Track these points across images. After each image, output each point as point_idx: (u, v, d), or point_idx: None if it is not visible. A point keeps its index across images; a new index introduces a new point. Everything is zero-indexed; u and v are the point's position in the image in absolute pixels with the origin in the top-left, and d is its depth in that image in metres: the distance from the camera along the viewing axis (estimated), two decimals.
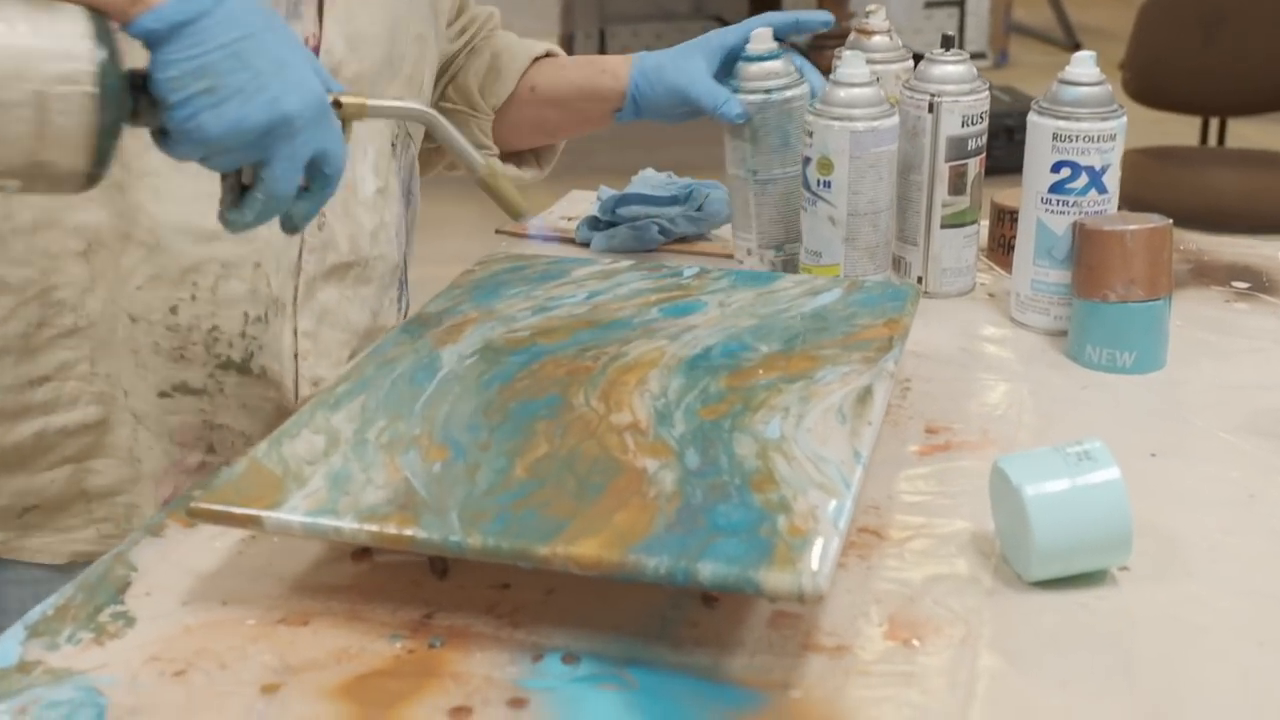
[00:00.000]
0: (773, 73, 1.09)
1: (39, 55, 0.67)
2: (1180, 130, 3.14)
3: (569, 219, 1.33)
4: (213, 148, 0.73)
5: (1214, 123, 3.00)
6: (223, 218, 0.77)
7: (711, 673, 0.65)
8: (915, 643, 0.68)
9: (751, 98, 1.09)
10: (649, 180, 1.29)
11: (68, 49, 0.67)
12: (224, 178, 0.77)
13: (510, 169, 1.19)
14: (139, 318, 0.90)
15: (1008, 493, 0.72)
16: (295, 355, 0.96)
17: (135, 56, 0.71)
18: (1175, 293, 0.99)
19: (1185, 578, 0.73)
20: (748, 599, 0.69)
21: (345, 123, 0.79)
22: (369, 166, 0.99)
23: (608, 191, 1.27)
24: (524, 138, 1.20)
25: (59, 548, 0.93)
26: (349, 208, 0.97)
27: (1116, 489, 0.71)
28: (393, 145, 1.02)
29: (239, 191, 0.77)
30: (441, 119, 0.87)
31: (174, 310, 0.90)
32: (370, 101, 0.81)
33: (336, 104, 0.78)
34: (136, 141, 0.79)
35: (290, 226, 0.80)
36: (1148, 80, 3.01)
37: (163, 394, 0.92)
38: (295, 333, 0.96)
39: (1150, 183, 2.75)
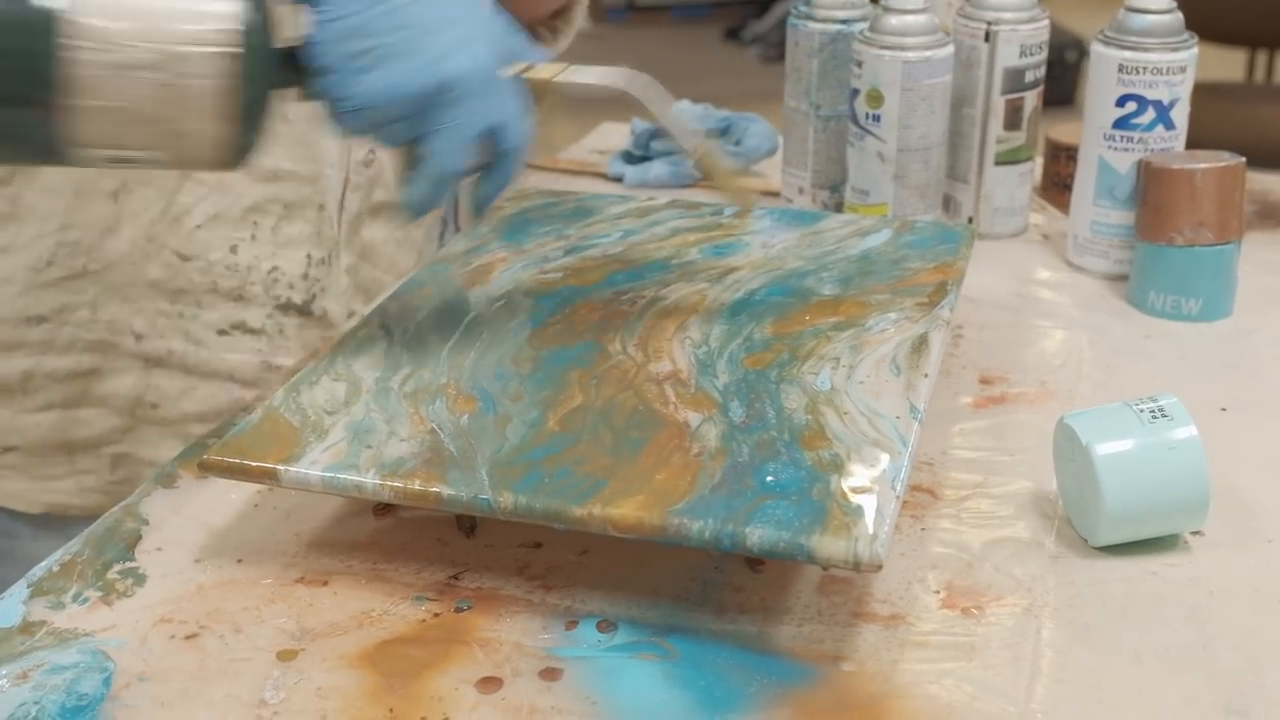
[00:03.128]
0: (848, 3, 1.03)
1: (179, 16, 0.61)
2: (1226, 64, 3.04)
3: (600, 152, 1.28)
4: (371, 117, 0.65)
5: (1261, 56, 2.91)
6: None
7: (757, 642, 0.61)
8: (975, 612, 0.63)
9: (824, 27, 1.03)
10: (685, 112, 1.23)
11: (211, 9, 0.61)
12: (400, 154, 0.70)
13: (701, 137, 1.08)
14: (196, 256, 0.87)
15: (1075, 451, 0.67)
16: (344, 298, 0.94)
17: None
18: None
19: (1264, 544, 0.68)
20: (794, 563, 0.64)
21: (535, 94, 0.70)
22: None
23: (641, 124, 1.22)
24: None
25: (34, 495, 0.90)
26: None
27: (1194, 449, 0.66)
28: None
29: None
30: (656, 91, 0.74)
31: (234, 250, 0.88)
32: (559, 78, 0.71)
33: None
34: None
35: (476, 210, 0.73)
36: (1191, 11, 2.90)
37: (221, 332, 0.89)
38: (341, 272, 0.93)
39: (1194, 120, 2.66)
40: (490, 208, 0.72)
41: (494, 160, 0.69)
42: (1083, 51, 4.12)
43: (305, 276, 0.90)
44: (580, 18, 1.08)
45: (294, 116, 0.84)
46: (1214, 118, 2.68)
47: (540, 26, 1.06)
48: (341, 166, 0.92)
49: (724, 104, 1.28)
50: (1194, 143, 0.97)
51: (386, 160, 0.93)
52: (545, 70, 0.71)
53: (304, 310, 0.91)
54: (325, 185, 0.89)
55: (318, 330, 0.92)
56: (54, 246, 0.85)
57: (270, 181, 0.87)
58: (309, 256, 0.90)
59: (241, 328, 0.90)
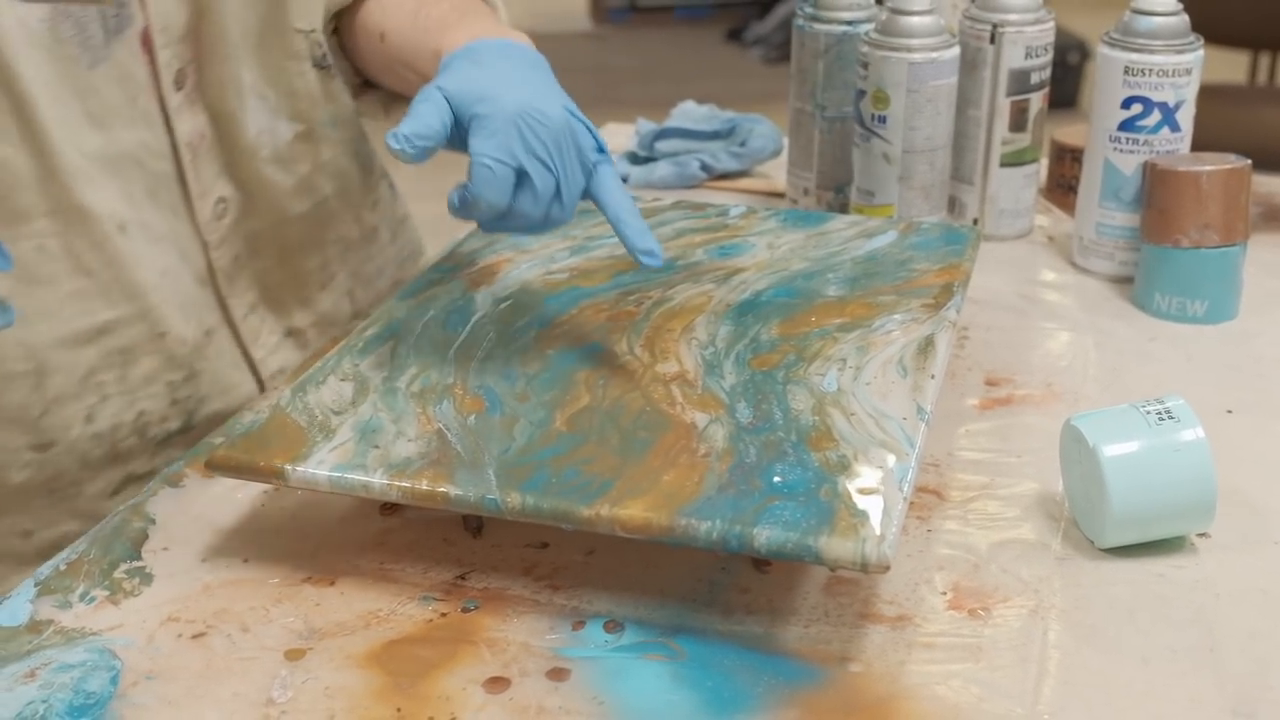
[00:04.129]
0: (854, 4, 1.03)
1: None
2: (1229, 66, 3.04)
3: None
4: None
5: (1264, 59, 2.91)
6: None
7: (765, 643, 0.61)
8: (981, 613, 0.63)
9: (830, 28, 1.03)
10: (690, 114, 1.23)
11: None
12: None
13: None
14: (54, 441, 0.81)
15: (1082, 453, 0.67)
16: (245, 352, 0.89)
17: None
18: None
19: (1270, 546, 0.68)
20: (801, 563, 0.64)
21: None
22: (269, 113, 0.88)
23: (646, 125, 1.22)
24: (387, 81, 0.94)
25: None
26: (249, 172, 0.87)
27: (1200, 451, 0.66)
28: (320, 67, 0.90)
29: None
30: None
31: (89, 419, 0.81)
32: None
33: None
34: None
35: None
36: (1193, 13, 2.90)
37: (113, 493, 0.84)
38: (235, 334, 0.88)
39: (1197, 122, 2.66)
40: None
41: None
42: (1085, 54, 4.11)
43: (174, 403, 0.84)
44: None
45: (94, 264, 0.79)
46: (1216, 120, 2.68)
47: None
48: (186, 246, 0.85)
49: (726, 105, 1.28)
50: (1196, 145, 0.97)
51: (240, 199, 0.87)
52: None
53: (186, 430, 0.86)
54: (158, 313, 0.82)
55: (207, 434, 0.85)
56: None
57: (96, 339, 0.80)
58: (170, 384, 0.84)
59: (130, 480, 0.84)
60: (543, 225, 0.70)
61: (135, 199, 0.81)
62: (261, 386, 0.90)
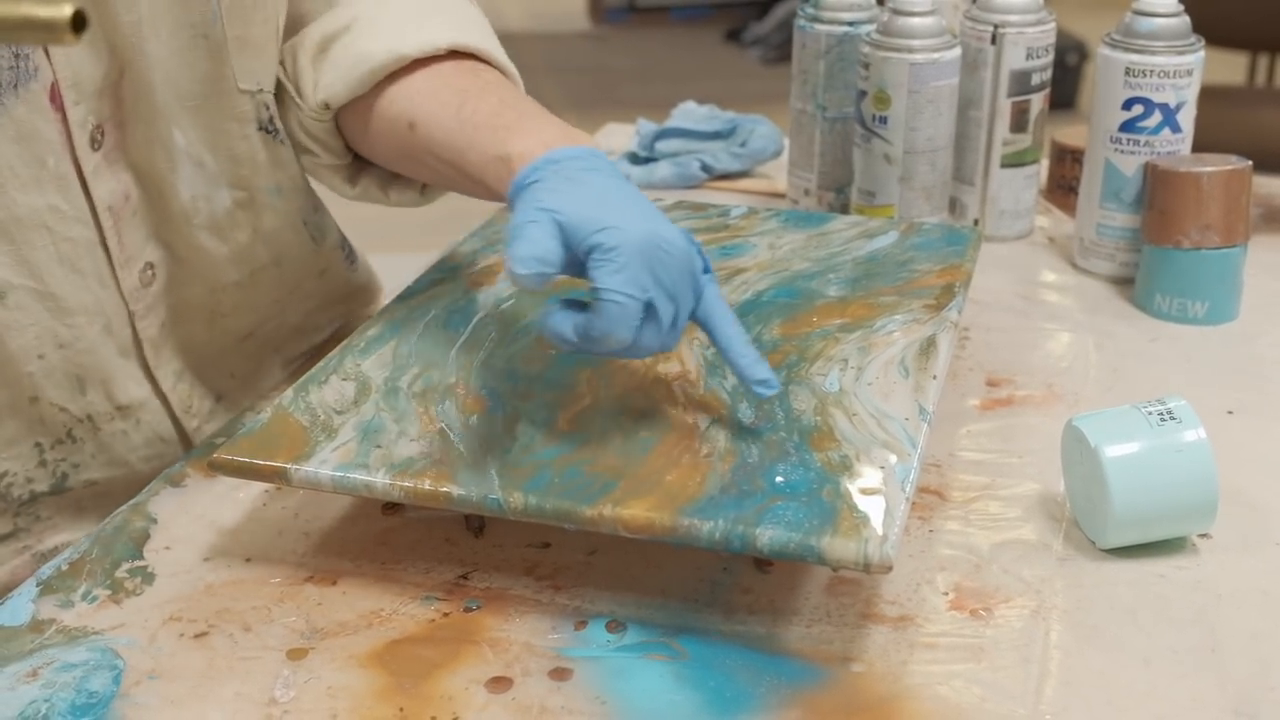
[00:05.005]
0: (855, 4, 1.03)
1: None
2: (1227, 67, 3.05)
3: (606, 153, 1.28)
4: None
5: (1263, 60, 2.91)
6: None
7: (767, 643, 0.61)
8: (983, 613, 0.63)
9: (832, 29, 1.03)
10: (690, 114, 1.23)
11: None
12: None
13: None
14: None
15: (1083, 454, 0.67)
16: (174, 419, 0.82)
17: None
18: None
19: (1271, 547, 0.68)
20: (803, 564, 0.64)
21: None
22: (208, 181, 0.80)
23: (647, 125, 1.22)
24: (400, 168, 0.87)
25: None
26: (181, 239, 0.80)
27: (1202, 451, 0.66)
28: (266, 130, 0.83)
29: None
30: None
31: None
32: None
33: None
34: None
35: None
36: (1192, 15, 2.90)
37: None
38: (165, 404, 0.82)
39: (1196, 124, 2.66)
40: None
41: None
42: (1083, 55, 4.12)
43: (42, 464, 0.77)
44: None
45: None
46: (1216, 121, 2.68)
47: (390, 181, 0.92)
48: (111, 315, 0.77)
49: (725, 106, 1.29)
50: (1195, 147, 0.97)
51: (170, 267, 0.80)
52: None
53: (57, 492, 0.78)
54: (32, 382, 0.75)
55: (86, 498, 0.79)
56: None
57: None
58: (38, 446, 0.77)
59: None
60: (649, 352, 0.66)
61: (34, 267, 0.73)
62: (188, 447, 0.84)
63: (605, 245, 0.63)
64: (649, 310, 0.64)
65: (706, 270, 0.68)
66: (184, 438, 0.83)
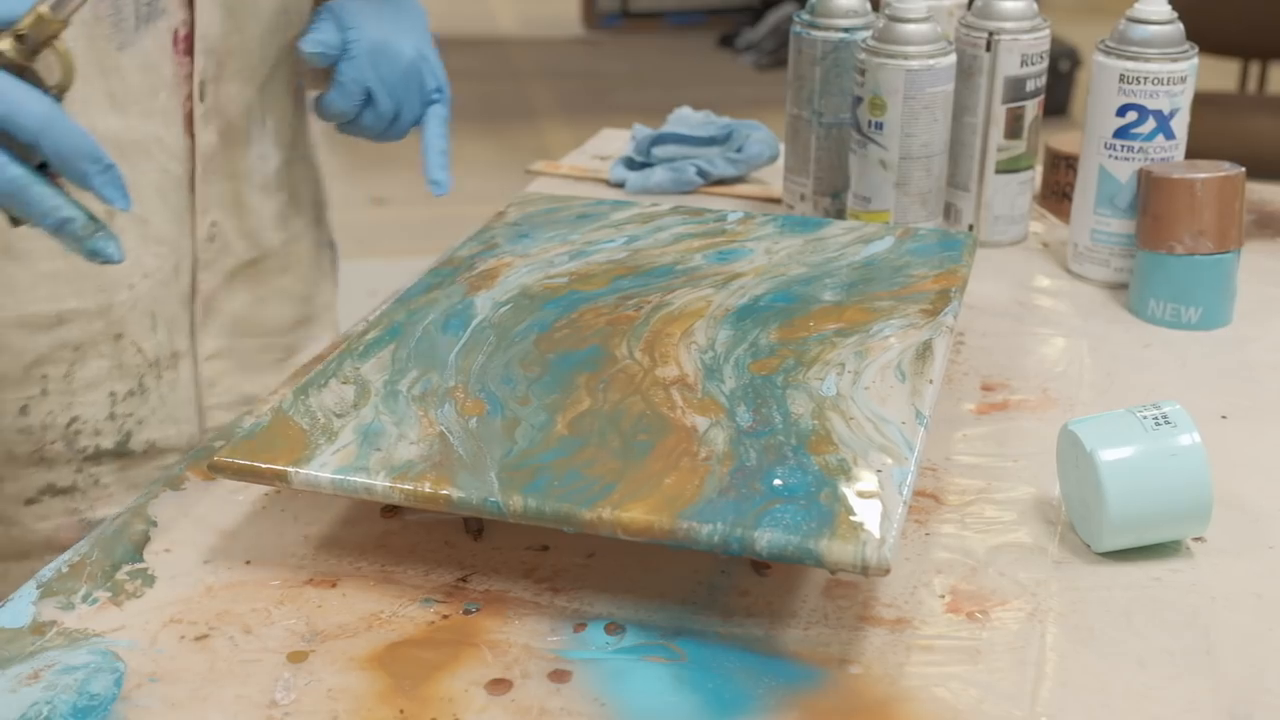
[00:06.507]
0: (851, 11, 1.04)
1: None
2: (1218, 74, 3.06)
3: (601, 158, 1.28)
4: None
5: (1254, 67, 2.92)
6: None
7: (765, 645, 0.62)
8: (980, 616, 0.64)
9: (828, 35, 1.04)
10: (686, 119, 1.24)
11: None
12: None
13: None
14: None
15: (1079, 458, 0.68)
16: (198, 393, 0.88)
17: None
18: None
19: (1265, 550, 0.69)
20: (801, 566, 0.65)
21: (34, 54, 0.64)
22: (269, 140, 0.90)
23: (643, 130, 1.22)
24: None
25: None
26: (239, 198, 0.88)
27: (1196, 455, 0.66)
28: (295, 99, 0.93)
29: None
30: None
31: (24, 410, 0.81)
32: (44, 8, 0.64)
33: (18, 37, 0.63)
34: None
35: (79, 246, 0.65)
36: (1183, 21, 2.90)
37: (28, 501, 0.83)
38: (195, 365, 0.87)
39: (1189, 130, 2.65)
40: (120, 188, 0.65)
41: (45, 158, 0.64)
42: (1075, 62, 4.13)
43: (112, 417, 0.83)
44: None
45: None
46: (1207, 128, 2.69)
47: None
48: (181, 257, 0.85)
49: (719, 111, 1.29)
50: (1188, 153, 0.97)
51: (226, 223, 0.88)
52: (30, 16, 0.64)
53: (120, 452, 0.84)
54: (120, 313, 0.82)
55: (144, 467, 0.85)
56: None
57: (53, 328, 0.80)
58: (112, 395, 0.83)
59: (50, 491, 0.83)
60: (381, 138, 0.88)
61: (139, 191, 0.79)
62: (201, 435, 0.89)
63: (348, 40, 0.84)
64: (370, 98, 0.85)
65: (439, 91, 0.88)
66: (200, 416, 0.89)
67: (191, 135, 0.83)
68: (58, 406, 0.82)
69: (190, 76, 0.82)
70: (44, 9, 0.64)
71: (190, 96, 0.83)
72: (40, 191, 0.63)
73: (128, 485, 0.85)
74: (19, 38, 0.64)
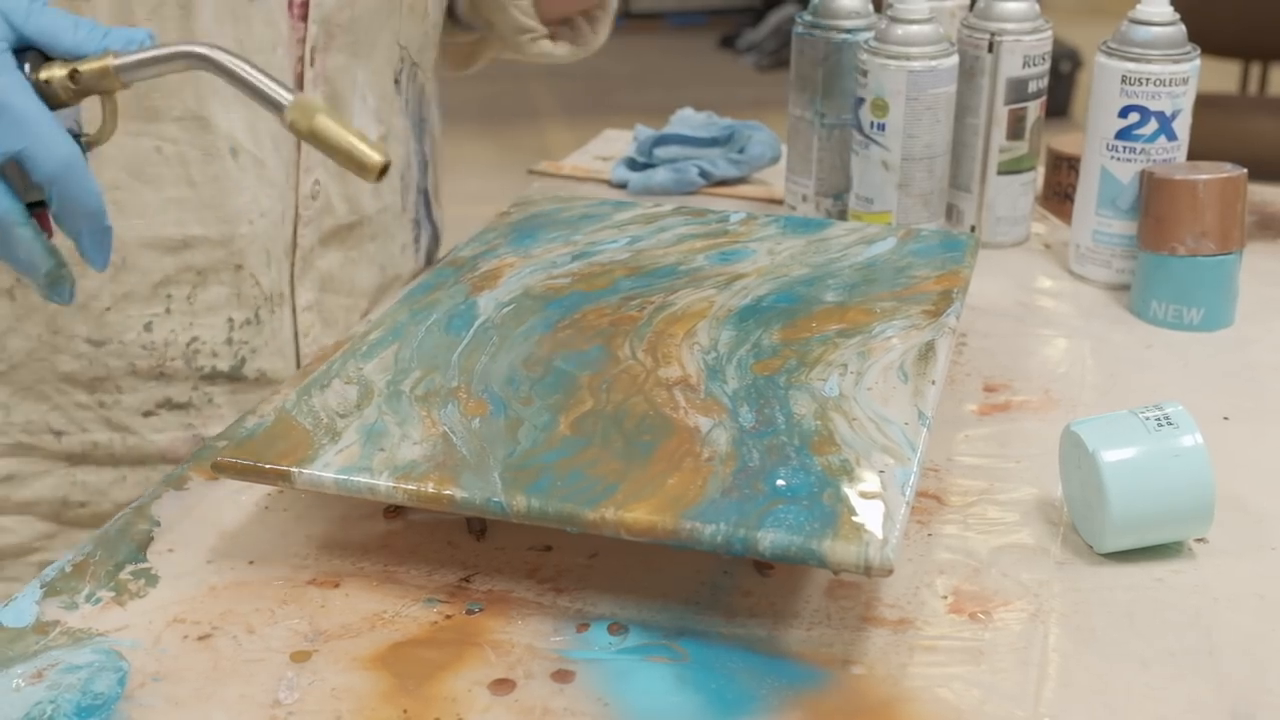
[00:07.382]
0: (853, 12, 1.04)
1: None
2: (1219, 76, 3.06)
3: (603, 159, 1.29)
4: None
5: (1255, 69, 2.92)
6: None
7: (767, 645, 0.62)
8: (982, 617, 0.64)
9: (830, 36, 1.04)
10: (688, 120, 1.24)
11: None
12: None
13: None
14: (109, 340, 0.84)
15: (1081, 459, 0.68)
16: (296, 336, 0.91)
17: None
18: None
19: (1267, 551, 0.69)
20: (803, 567, 0.65)
21: (81, 96, 0.64)
22: (370, 116, 0.93)
23: (645, 131, 1.23)
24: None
25: None
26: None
27: (1199, 456, 0.66)
28: (396, 82, 0.96)
29: None
30: (224, 55, 0.66)
31: (148, 327, 0.85)
32: (115, 62, 0.63)
33: (73, 75, 0.63)
34: (94, 160, 0.69)
35: (95, 264, 0.66)
36: (1185, 23, 2.89)
37: (146, 413, 0.86)
38: (294, 313, 0.91)
39: (1190, 132, 2.64)
40: (105, 251, 0.66)
41: (50, 202, 0.64)
42: (1076, 63, 4.13)
43: (229, 342, 0.87)
44: (616, 4, 1.07)
45: (200, 179, 0.83)
46: (1208, 130, 2.69)
47: (577, 18, 1.06)
48: (287, 207, 0.88)
49: (720, 112, 1.29)
50: (1190, 154, 0.97)
51: (331, 185, 0.91)
52: (97, 61, 0.64)
53: (234, 376, 0.88)
54: (240, 245, 0.85)
55: (254, 393, 0.89)
56: None
57: (179, 250, 0.84)
58: (230, 321, 0.87)
59: (167, 405, 0.86)
60: None
61: (257, 134, 0.85)
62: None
63: None
64: None
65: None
66: (297, 359, 0.92)
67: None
68: (179, 326, 0.85)
69: (303, 41, 0.86)
70: (115, 63, 0.64)
71: (301, 59, 0.86)
72: (23, 234, 0.64)
73: (238, 408, 0.88)
74: (74, 75, 0.64)
